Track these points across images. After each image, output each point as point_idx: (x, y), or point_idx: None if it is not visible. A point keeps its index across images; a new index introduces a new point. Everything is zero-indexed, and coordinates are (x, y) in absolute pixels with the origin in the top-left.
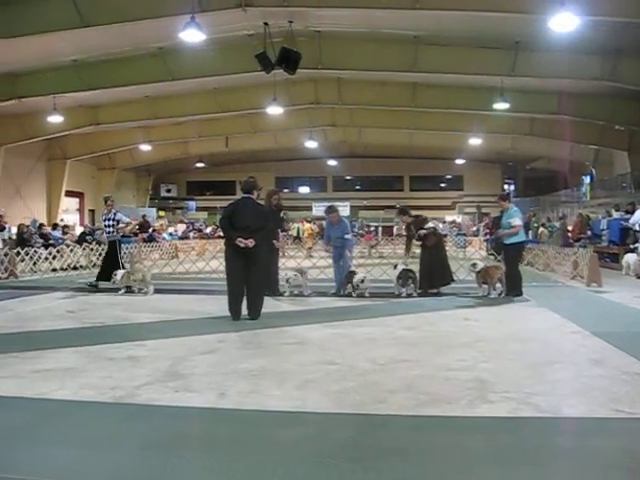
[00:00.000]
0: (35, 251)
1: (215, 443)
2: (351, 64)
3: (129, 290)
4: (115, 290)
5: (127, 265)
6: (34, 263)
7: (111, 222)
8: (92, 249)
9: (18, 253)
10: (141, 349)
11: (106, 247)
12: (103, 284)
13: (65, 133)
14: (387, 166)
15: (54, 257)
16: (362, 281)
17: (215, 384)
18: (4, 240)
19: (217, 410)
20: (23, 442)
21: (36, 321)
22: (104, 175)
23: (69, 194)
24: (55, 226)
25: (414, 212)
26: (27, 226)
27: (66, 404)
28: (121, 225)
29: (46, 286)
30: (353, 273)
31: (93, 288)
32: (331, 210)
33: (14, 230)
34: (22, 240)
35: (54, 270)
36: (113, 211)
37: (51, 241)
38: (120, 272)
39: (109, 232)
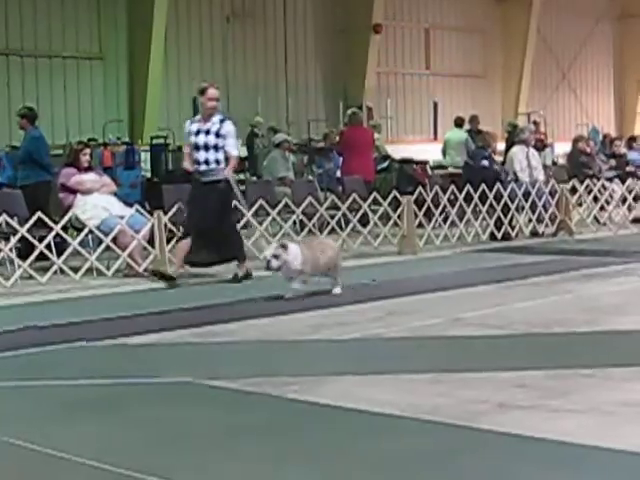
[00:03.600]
0: (603, 187)
1: None
2: None
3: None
4: None
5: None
6: (601, 208)
7: None
8: None
9: (573, 190)
10: None
11: None
12: None
13: None
14: None
15: (636, 198)
16: None
17: None
18: (545, 167)
19: None
20: None
21: (613, 313)
22: None
23: None
24: (633, 140)
25: None
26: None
27: None
28: None
29: (623, 250)
30: None
31: None
32: None
33: (561, 149)
34: (579, 166)
35: (638, 221)
36: None
37: (629, 168)
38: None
39: None
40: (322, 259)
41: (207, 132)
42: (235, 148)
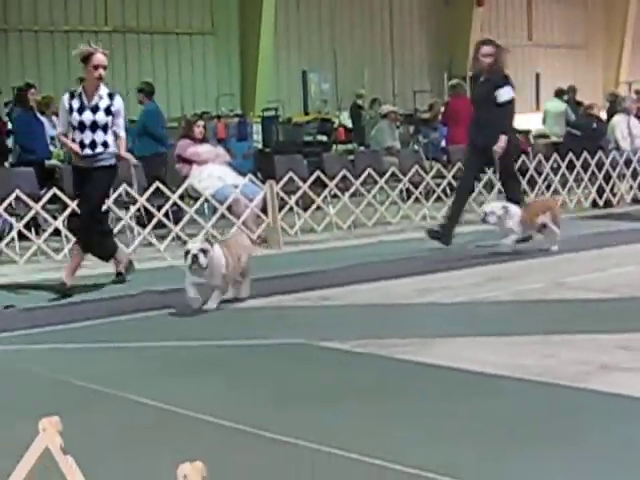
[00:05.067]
0: None
1: None
2: None
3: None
4: None
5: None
6: None
7: None
8: None
9: None
10: None
11: None
12: None
13: None
14: None
15: None
16: None
17: None
18: None
19: None
20: None
21: None
22: None
23: None
24: None
25: None
26: None
27: None
28: None
29: None
30: None
31: None
32: None
33: None
34: None
35: None
36: None
37: None
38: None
39: None
40: (242, 261)
41: (94, 109)
42: (124, 128)
